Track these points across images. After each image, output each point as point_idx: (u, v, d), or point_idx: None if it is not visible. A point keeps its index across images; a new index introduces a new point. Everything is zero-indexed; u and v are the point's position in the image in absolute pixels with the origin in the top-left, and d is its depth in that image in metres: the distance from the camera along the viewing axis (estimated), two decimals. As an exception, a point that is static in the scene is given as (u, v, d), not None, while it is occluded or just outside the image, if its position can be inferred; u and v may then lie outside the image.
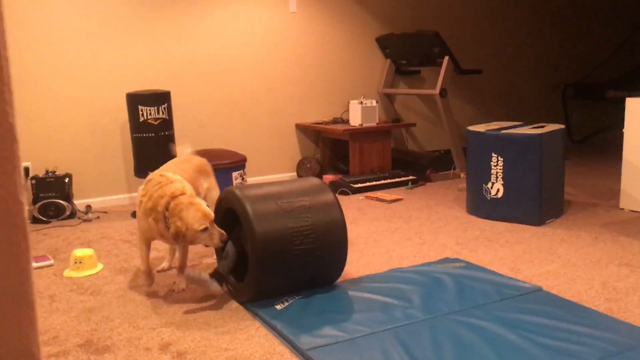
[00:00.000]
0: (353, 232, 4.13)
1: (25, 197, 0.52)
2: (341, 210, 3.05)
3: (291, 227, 2.87)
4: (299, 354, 2.44)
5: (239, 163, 5.09)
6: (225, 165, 5.07)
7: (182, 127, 5.27)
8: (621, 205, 4.56)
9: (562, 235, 3.96)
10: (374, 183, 5.48)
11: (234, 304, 2.97)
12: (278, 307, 2.86)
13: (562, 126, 4.47)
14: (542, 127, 4.42)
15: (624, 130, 4.46)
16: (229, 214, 3.10)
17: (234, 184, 5.09)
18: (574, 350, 2.37)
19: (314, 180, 3.18)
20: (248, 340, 2.58)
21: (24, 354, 0.47)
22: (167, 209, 2.83)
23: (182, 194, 2.88)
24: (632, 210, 4.48)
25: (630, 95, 4.46)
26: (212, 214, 2.85)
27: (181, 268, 3.09)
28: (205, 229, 2.79)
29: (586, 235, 3.95)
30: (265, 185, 3.08)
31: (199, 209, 2.80)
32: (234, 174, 5.10)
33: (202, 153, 5.20)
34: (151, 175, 3.10)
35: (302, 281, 2.99)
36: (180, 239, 2.81)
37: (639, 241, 3.77)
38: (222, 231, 2.85)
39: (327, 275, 3.07)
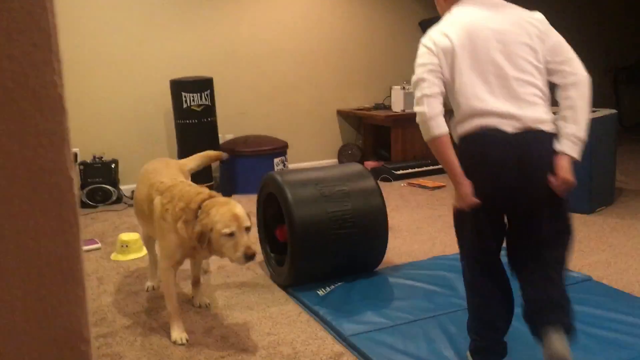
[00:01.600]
0: (395, 220, 4.09)
1: (75, 172, 0.52)
2: (382, 197, 3.01)
3: (330, 212, 2.86)
4: (341, 339, 2.43)
5: (280, 149, 5.11)
6: (267, 151, 5.09)
7: (224, 114, 5.30)
8: (676, 193, 4.38)
9: (612, 224, 3.82)
10: (416, 170, 5.41)
11: (276, 290, 2.98)
12: (320, 292, 2.86)
13: (614, 111, 4.31)
14: (593, 112, 4.26)
15: (680, 114, 4.26)
16: (270, 198, 3.11)
17: (275, 165, 5.10)
18: (626, 341, 2.29)
19: (355, 166, 3.16)
20: (290, 325, 2.58)
21: (73, 335, 0.46)
22: (200, 207, 2.34)
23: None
24: (688, 199, 4.30)
25: (688, 78, 4.25)
26: (247, 221, 2.29)
27: (196, 281, 2.81)
28: (231, 234, 2.23)
29: (638, 224, 3.81)
30: (306, 171, 3.06)
31: (231, 210, 2.28)
32: (276, 160, 5.11)
33: (244, 139, 5.24)
34: (160, 182, 2.58)
35: (341, 266, 2.98)
36: (205, 242, 2.26)
37: (695, 230, 3.62)
38: (252, 245, 2.25)
39: (367, 261, 3.05)
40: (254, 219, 3.42)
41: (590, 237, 3.59)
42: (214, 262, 3.41)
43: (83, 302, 0.50)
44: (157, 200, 2.51)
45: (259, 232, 3.28)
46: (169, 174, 2.69)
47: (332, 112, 5.95)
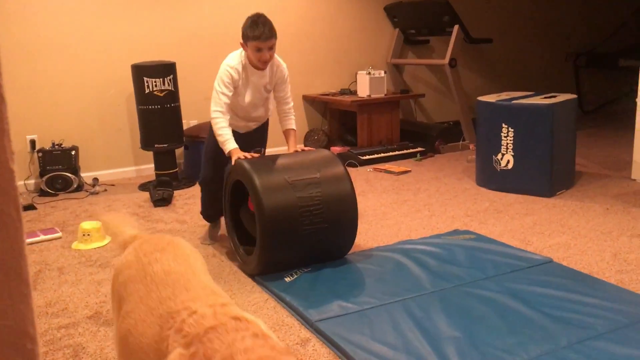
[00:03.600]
0: (361, 205, 4.10)
1: (14, 163, 0.49)
2: (351, 183, 3.00)
3: (300, 200, 2.82)
4: (308, 325, 2.44)
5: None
6: (232, 137, 5.03)
7: (188, 99, 5.22)
8: (633, 176, 4.50)
9: (572, 207, 3.91)
10: (382, 155, 5.43)
11: (242, 278, 2.96)
12: (287, 279, 2.85)
13: (574, 96, 4.39)
14: (554, 97, 4.34)
15: (637, 99, 4.37)
16: (238, 186, 3.07)
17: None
18: (585, 321, 2.35)
19: (324, 153, 3.13)
20: (256, 313, 2.57)
21: (18, 333, 0.44)
22: None
23: None
24: (644, 181, 4.42)
25: (645, 64, 4.36)
26: None
27: None
28: None
29: (597, 206, 3.90)
30: (275, 158, 3.03)
31: None
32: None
33: (208, 126, 5.16)
34: (190, 315, 1.26)
35: (312, 254, 2.97)
36: None
37: (651, 212, 3.73)
38: None
39: (337, 248, 3.04)
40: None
41: (550, 219, 3.67)
42: (178, 250, 3.36)
43: (28, 299, 0.48)
44: (177, 356, 1.18)
45: (226, 220, 3.21)
46: (200, 287, 1.41)
47: (298, 98, 5.92)
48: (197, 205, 4.25)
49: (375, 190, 4.50)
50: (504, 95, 4.54)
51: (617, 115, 7.31)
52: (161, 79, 4.62)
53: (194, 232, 3.64)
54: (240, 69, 3.06)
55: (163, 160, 4.81)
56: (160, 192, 4.31)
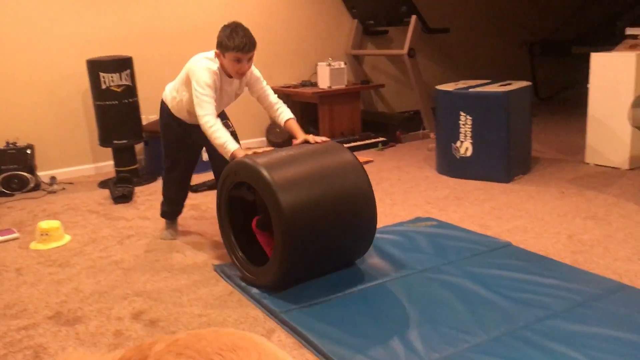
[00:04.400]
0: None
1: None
2: (366, 173, 2.66)
3: (320, 194, 2.47)
4: (273, 317, 2.45)
5: (207, 129, 5.00)
6: (193, 131, 4.97)
7: (147, 94, 5.14)
8: (587, 159, 4.64)
9: (529, 191, 4.01)
10: (345, 146, 5.45)
11: (206, 271, 2.95)
12: (251, 271, 2.85)
13: (529, 83, 4.49)
14: (509, 84, 4.43)
15: (588, 85, 4.50)
16: (234, 199, 2.76)
17: (203, 151, 5.00)
18: (542, 301, 2.42)
19: (332, 143, 2.82)
20: (221, 306, 2.57)
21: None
22: None
23: None
24: (597, 165, 4.56)
25: (595, 51, 4.48)
26: None
27: None
28: None
29: (553, 190, 4.01)
30: (281, 150, 2.67)
31: None
32: (202, 141, 5.01)
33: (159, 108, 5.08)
34: None
35: (333, 259, 2.66)
36: None
37: (603, 194, 3.85)
38: None
39: (358, 248, 2.72)
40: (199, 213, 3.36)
41: (509, 204, 3.76)
42: (141, 247, 3.33)
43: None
44: None
45: (224, 234, 2.84)
46: None
47: (259, 90, 5.88)
48: (159, 201, 4.21)
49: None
50: (462, 84, 4.62)
51: (571, 101, 7.51)
52: (118, 74, 4.54)
53: (157, 229, 3.61)
54: (218, 75, 2.87)
55: (122, 157, 4.73)
56: (121, 188, 4.25)
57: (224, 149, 2.73)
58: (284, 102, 3.19)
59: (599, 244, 3.05)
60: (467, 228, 3.34)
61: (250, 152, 2.66)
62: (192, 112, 2.98)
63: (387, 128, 5.85)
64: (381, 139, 5.66)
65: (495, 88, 4.29)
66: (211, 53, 2.91)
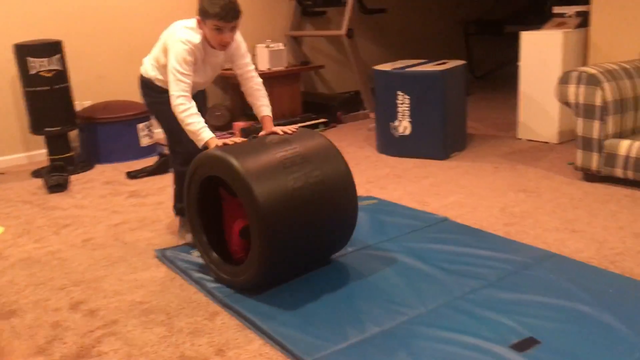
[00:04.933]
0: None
1: None
2: (344, 159, 2.53)
3: (297, 181, 2.33)
4: (216, 300, 2.45)
5: (144, 114, 4.90)
6: (129, 117, 4.86)
7: (80, 79, 4.97)
8: (519, 135, 4.81)
9: (465, 167, 4.14)
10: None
11: (147, 257, 2.91)
12: (194, 254, 2.84)
13: (463, 62, 4.60)
14: (444, 63, 4.53)
15: (519, 63, 4.65)
16: (205, 187, 2.53)
17: (141, 137, 4.91)
18: (477, 272, 2.52)
19: (305, 130, 2.69)
20: (163, 292, 2.55)
21: None
22: None
23: None
24: (528, 140, 4.74)
25: (525, 29, 4.63)
26: None
27: None
28: None
29: (487, 165, 4.15)
30: (251, 141, 2.54)
31: None
32: (140, 126, 4.91)
33: (104, 105, 4.95)
34: None
35: (316, 251, 2.52)
36: None
37: (534, 168, 4.02)
38: None
39: (339, 238, 2.57)
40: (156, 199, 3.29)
41: (446, 180, 3.87)
42: (78, 236, 3.25)
43: None
44: None
45: (196, 234, 2.62)
46: None
47: (197, 73, 5.79)
48: (97, 189, 4.12)
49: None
50: (399, 64, 4.69)
51: (505, 80, 7.74)
52: (47, 59, 4.37)
53: (94, 217, 3.52)
54: (201, 47, 2.62)
55: (56, 145, 4.58)
56: (55, 177, 4.11)
57: (196, 136, 2.53)
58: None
59: (529, 215, 3.19)
60: (406, 205, 3.42)
61: (229, 142, 2.49)
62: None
63: (328, 109, 5.87)
64: (322, 120, 5.69)
65: (431, 67, 4.38)
66: (192, 21, 2.64)
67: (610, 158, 3.50)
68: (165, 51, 2.69)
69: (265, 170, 2.29)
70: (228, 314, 2.33)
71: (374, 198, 3.56)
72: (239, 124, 5.47)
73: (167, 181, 3.95)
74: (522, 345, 1.99)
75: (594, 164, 3.60)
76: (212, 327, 2.25)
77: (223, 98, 5.96)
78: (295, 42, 6.39)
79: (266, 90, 2.96)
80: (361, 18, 6.52)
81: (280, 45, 5.64)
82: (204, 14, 2.56)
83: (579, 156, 3.67)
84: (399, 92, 4.37)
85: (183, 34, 2.59)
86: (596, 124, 3.54)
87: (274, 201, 2.24)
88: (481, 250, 2.74)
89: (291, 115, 5.73)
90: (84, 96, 5.06)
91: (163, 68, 2.73)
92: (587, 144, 3.61)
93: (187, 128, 2.55)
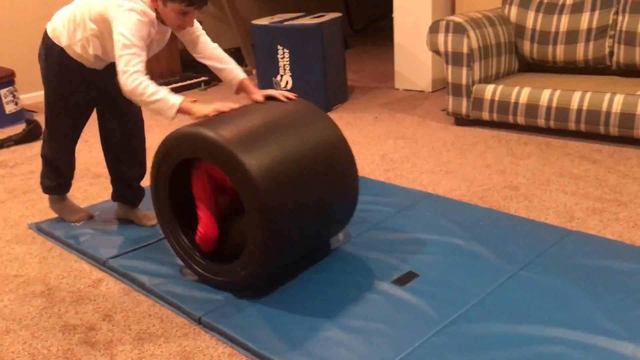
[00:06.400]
0: (149, 141, 3.98)
1: None
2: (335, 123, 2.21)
3: (293, 151, 1.99)
4: (100, 265, 2.37)
5: (6, 79, 4.53)
6: (-11, 82, 4.46)
7: None
8: (396, 85, 4.99)
9: (347, 118, 4.24)
10: (165, 88, 5.26)
11: (20, 229, 2.74)
12: (73, 225, 2.70)
13: (340, 14, 4.65)
14: (322, 16, 4.55)
15: (393, 15, 4.78)
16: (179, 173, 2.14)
17: (5, 103, 4.54)
18: (361, 216, 2.62)
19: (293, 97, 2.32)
20: (40, 263, 2.42)
21: None
22: None
23: None
24: (405, 90, 4.93)
25: (398, -19, 4.75)
26: None
27: None
28: None
29: (368, 116, 4.28)
30: (233, 111, 2.13)
31: None
32: (2, 92, 4.53)
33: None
34: None
35: (319, 233, 2.20)
36: None
37: (411, 116, 4.20)
38: None
39: (344, 215, 2.24)
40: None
41: (329, 132, 3.94)
42: (-61, 213, 2.98)
43: None
44: None
45: (170, 235, 2.21)
46: None
47: (63, 33, 5.40)
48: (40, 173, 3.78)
49: (162, 123, 4.39)
50: (277, 18, 4.65)
51: (382, 32, 7.93)
52: None
53: (-44, 192, 3.24)
54: (155, 22, 2.23)
55: None
56: None
57: (168, 106, 2.11)
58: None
59: (407, 160, 3.35)
60: (291, 158, 3.45)
61: (225, 108, 2.12)
62: (101, 57, 2.35)
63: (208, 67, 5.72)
64: (203, 78, 5.55)
65: (308, 20, 4.39)
66: None
67: (478, 102, 3.73)
68: (97, 20, 2.24)
69: (254, 140, 1.93)
70: (113, 279, 2.27)
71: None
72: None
73: (37, 149, 3.70)
74: (403, 280, 2.12)
75: (464, 109, 3.82)
76: (96, 293, 2.18)
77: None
78: None
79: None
80: (237, -28, 6.36)
81: (153, 1, 5.38)
82: None
83: (450, 102, 3.88)
84: (279, 46, 4.36)
85: (131, 4, 2.15)
86: (464, 71, 3.74)
87: (272, 174, 1.88)
88: (363, 196, 2.81)
89: (170, 74, 5.54)
90: None
91: (84, 34, 2.28)
92: (456, 90, 3.82)
93: (155, 105, 2.13)
